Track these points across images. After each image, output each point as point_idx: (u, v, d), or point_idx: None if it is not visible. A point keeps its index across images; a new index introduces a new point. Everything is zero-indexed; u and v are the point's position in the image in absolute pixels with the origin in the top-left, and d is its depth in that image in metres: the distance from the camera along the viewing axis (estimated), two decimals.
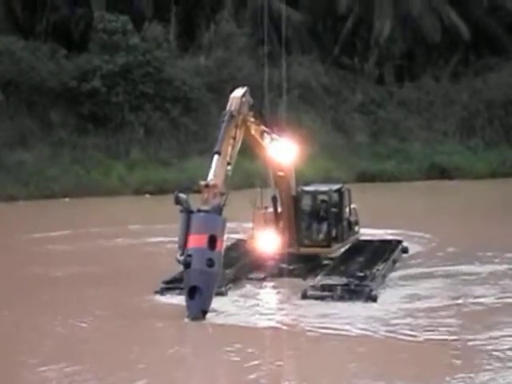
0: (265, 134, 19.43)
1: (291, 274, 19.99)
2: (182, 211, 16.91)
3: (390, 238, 24.51)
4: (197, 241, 16.43)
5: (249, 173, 34.21)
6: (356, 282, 18.13)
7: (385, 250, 21.85)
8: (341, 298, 17.57)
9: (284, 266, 20.20)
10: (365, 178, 43.79)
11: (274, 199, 20.62)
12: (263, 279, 19.80)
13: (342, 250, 21.65)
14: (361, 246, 22.37)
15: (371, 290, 17.68)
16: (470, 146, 48.65)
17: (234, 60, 47.14)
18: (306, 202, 21.47)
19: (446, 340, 14.80)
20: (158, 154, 43.35)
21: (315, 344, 14.91)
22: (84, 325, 16.25)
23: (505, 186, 41.43)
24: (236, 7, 50.41)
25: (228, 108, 18.23)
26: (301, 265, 20.38)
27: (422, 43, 52.36)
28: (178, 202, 16.97)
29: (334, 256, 21.23)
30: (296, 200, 20.74)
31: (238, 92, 18.77)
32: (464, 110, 50.07)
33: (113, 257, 23.97)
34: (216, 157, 17.37)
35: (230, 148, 17.69)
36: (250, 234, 21.25)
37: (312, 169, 36.15)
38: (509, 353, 13.93)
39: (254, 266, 20.38)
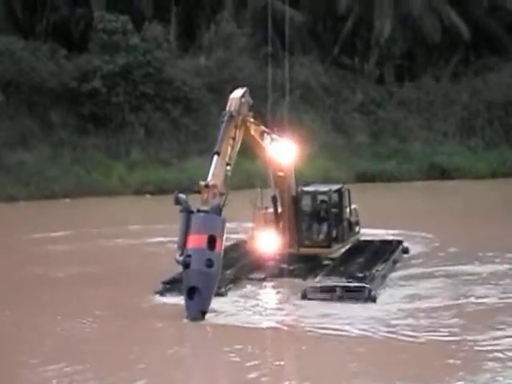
0: (265, 135, 19.43)
1: (291, 274, 19.98)
2: (181, 211, 16.92)
3: (390, 238, 24.48)
4: (196, 241, 16.42)
5: (249, 173, 34.21)
6: (355, 282, 18.11)
7: (385, 251, 21.82)
8: (340, 299, 17.56)
9: (284, 266, 20.19)
10: (365, 178, 43.76)
11: (274, 199, 20.61)
12: (263, 279, 19.80)
13: (343, 250, 21.65)
14: (361, 247, 22.34)
15: (370, 291, 17.66)
16: (470, 146, 48.63)
17: (235, 60, 47.13)
18: (306, 203, 21.44)
19: (447, 340, 14.79)
20: (158, 155, 43.34)
21: (315, 344, 14.90)
22: (84, 325, 16.25)
23: (505, 186, 41.41)
24: (236, 7, 50.41)
25: (227, 108, 18.23)
26: (301, 265, 20.38)
27: (422, 43, 52.35)
28: (177, 202, 16.98)
29: (335, 256, 21.22)
30: (296, 200, 20.74)
31: (238, 92, 18.77)
32: (464, 110, 50.06)
33: (113, 257, 23.97)
34: (215, 157, 17.37)
35: (229, 148, 17.68)
36: (250, 234, 21.25)
37: (312, 169, 36.14)
38: (509, 353, 13.91)
39: (255, 267, 20.38)
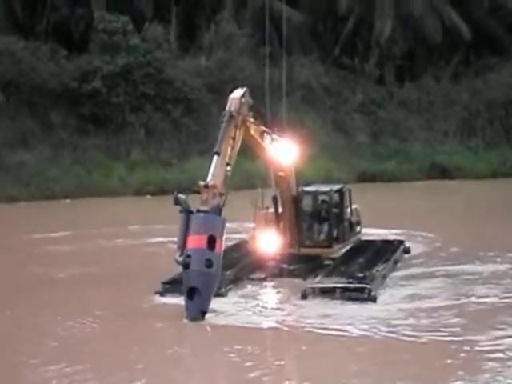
0: (265, 135, 19.41)
1: (292, 274, 19.97)
2: (181, 212, 16.89)
3: (392, 238, 24.45)
4: (196, 241, 16.41)
5: (249, 173, 34.22)
6: (355, 282, 18.09)
7: (386, 251, 21.80)
8: (340, 299, 17.53)
9: (285, 266, 20.18)
10: (365, 178, 43.72)
11: (275, 199, 20.59)
12: (264, 279, 19.79)
13: (344, 250, 21.63)
14: (362, 247, 22.33)
15: (370, 291, 17.64)
16: (471, 146, 48.57)
17: (235, 61, 47.08)
18: (307, 203, 21.43)
19: (448, 340, 14.77)
20: (158, 155, 43.33)
21: (316, 344, 14.88)
22: (84, 325, 16.25)
23: (505, 186, 41.37)
24: (236, 8, 50.36)
25: (227, 108, 18.22)
26: (301, 265, 20.36)
27: (423, 43, 52.30)
28: (177, 202, 16.95)
29: (335, 256, 21.20)
30: (297, 200, 20.72)
31: (238, 92, 18.76)
32: (464, 110, 50.00)
33: (113, 257, 23.96)
34: (215, 157, 17.36)
35: (229, 148, 17.67)
36: (251, 234, 21.23)
37: (312, 169, 36.13)
38: (510, 353, 13.90)
39: (255, 267, 20.36)
